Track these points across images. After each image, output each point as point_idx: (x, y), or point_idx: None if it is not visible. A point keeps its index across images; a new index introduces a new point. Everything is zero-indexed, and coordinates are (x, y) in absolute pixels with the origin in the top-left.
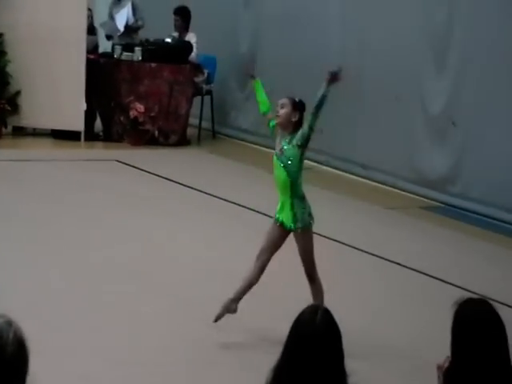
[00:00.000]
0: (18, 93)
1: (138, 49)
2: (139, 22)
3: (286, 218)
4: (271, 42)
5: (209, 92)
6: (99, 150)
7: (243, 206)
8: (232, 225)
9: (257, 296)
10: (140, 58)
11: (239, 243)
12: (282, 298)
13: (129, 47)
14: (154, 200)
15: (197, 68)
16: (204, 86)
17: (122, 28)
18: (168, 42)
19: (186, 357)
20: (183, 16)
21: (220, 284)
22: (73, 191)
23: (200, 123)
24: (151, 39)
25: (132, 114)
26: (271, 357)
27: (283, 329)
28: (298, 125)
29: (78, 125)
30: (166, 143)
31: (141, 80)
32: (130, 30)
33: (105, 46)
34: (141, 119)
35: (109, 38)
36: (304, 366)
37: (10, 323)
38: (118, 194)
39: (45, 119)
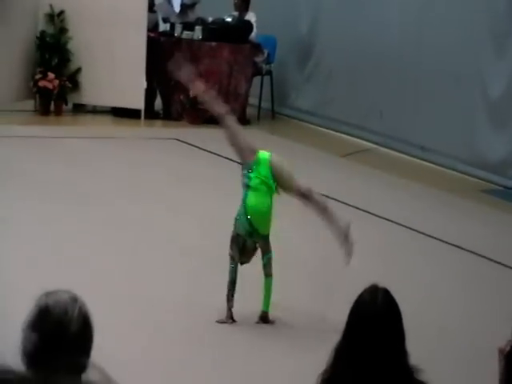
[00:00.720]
0: (78, 70)
1: (198, 28)
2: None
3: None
4: (331, 22)
5: (268, 72)
6: (159, 129)
7: None
8: (287, 204)
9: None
10: (200, 37)
11: (294, 221)
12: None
13: (189, 26)
14: (212, 179)
15: (257, 48)
16: (264, 65)
17: (177, 9)
18: (228, 22)
19: None
20: None
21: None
22: (132, 169)
23: (259, 103)
24: (209, 18)
25: (191, 93)
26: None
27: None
28: None
29: (138, 103)
30: None
31: (201, 59)
32: (185, 7)
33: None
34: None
35: (165, 20)
36: (366, 347)
37: (75, 299)
38: (177, 172)
39: (105, 97)
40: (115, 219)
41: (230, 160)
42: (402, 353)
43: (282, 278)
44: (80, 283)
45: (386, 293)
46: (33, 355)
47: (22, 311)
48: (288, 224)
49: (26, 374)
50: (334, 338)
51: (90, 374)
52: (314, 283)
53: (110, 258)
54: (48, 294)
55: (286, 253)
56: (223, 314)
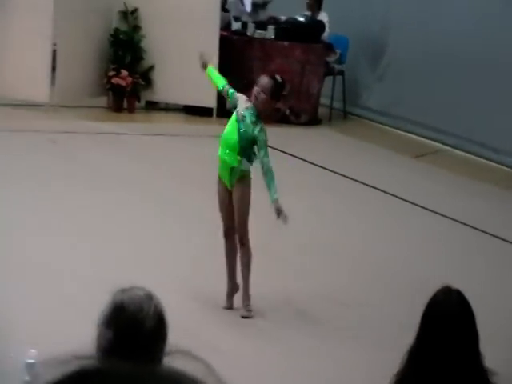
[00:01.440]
0: (151, 68)
1: (270, 27)
2: None
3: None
4: (403, 21)
5: (340, 72)
6: None
7: (370, 186)
8: (357, 204)
9: None
10: (273, 37)
11: (365, 223)
12: None
13: (261, 25)
14: (283, 178)
15: (329, 48)
16: (336, 65)
17: (248, 8)
18: (301, 21)
19: None
20: None
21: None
22: (203, 167)
23: (331, 103)
24: (282, 17)
25: None
26: None
27: None
28: (273, 111)
29: (211, 101)
30: (297, 122)
31: (273, 58)
32: (257, 6)
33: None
34: None
35: (236, 19)
36: (441, 347)
37: (150, 297)
38: None
39: (177, 94)
40: (185, 216)
41: (301, 159)
42: (476, 354)
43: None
44: (159, 282)
45: (460, 294)
46: (107, 352)
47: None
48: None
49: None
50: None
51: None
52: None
53: (186, 253)
54: (123, 291)
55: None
56: None
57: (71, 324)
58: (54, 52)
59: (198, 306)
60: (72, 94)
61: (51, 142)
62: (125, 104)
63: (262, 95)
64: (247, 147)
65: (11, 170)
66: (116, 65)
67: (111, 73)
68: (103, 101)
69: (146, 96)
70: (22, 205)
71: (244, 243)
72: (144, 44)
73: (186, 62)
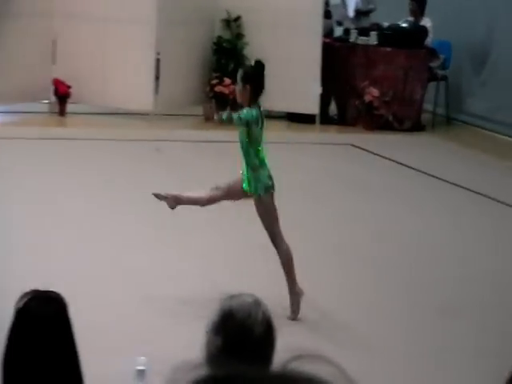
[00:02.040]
0: None
1: (373, 33)
2: (370, 6)
3: (245, 180)
4: (507, 26)
5: (444, 77)
6: (333, 134)
7: (476, 192)
8: (464, 212)
9: None
10: (375, 43)
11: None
12: None
13: (364, 31)
14: (386, 186)
15: (432, 53)
16: (439, 71)
17: (351, 13)
18: (404, 27)
19: None
20: (419, 1)
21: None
22: (305, 174)
23: (434, 109)
24: (384, 23)
25: (367, 98)
26: None
27: None
28: (252, 95)
29: (313, 108)
30: (400, 128)
31: (376, 64)
32: (360, 13)
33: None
34: (375, 104)
35: (339, 23)
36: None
37: (258, 303)
38: (351, 179)
39: (280, 102)
40: (291, 224)
41: (406, 166)
42: None
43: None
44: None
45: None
46: (216, 358)
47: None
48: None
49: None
50: None
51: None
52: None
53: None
54: (231, 298)
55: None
56: None
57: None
58: (158, 61)
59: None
60: (175, 103)
61: (156, 151)
62: None
63: (236, 88)
64: (247, 148)
65: (116, 178)
66: (219, 73)
67: (214, 81)
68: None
69: None
70: (130, 215)
71: (276, 245)
72: (247, 51)
73: (289, 69)
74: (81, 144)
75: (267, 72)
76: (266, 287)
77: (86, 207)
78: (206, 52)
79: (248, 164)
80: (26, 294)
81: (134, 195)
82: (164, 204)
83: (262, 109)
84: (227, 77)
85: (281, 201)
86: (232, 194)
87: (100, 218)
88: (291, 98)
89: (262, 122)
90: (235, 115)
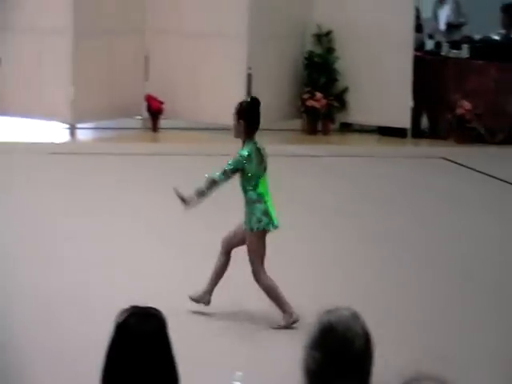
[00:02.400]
0: (345, 89)
1: (465, 46)
2: (461, 19)
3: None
4: None
5: None
6: (425, 147)
7: None
8: None
9: None
10: (467, 56)
11: None
12: None
13: (455, 44)
14: (479, 199)
15: None
16: None
17: (442, 27)
18: (495, 40)
19: None
20: (510, 13)
21: None
22: (397, 188)
23: None
24: (476, 36)
25: (458, 111)
26: None
27: None
28: (247, 131)
29: (405, 121)
30: (492, 141)
31: (467, 77)
32: (451, 26)
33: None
34: (467, 117)
35: (431, 37)
36: None
37: (356, 316)
38: (445, 193)
39: (372, 116)
40: (370, 234)
41: (499, 180)
42: None
43: None
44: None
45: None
46: (316, 373)
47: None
48: None
49: None
50: None
51: None
52: None
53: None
54: (329, 312)
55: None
56: None
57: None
58: (249, 76)
59: None
60: (267, 117)
61: None
62: (319, 126)
63: (233, 123)
64: (243, 184)
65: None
66: (310, 87)
67: (305, 95)
68: (298, 123)
69: (341, 118)
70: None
71: (257, 280)
72: (338, 66)
73: (380, 83)
74: (173, 159)
75: (359, 86)
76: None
77: (179, 222)
78: (297, 66)
79: (245, 198)
80: (126, 309)
81: (224, 210)
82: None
83: (258, 145)
84: (318, 91)
85: (374, 214)
86: (237, 235)
87: (192, 231)
88: (382, 112)
89: (259, 157)
90: (216, 173)
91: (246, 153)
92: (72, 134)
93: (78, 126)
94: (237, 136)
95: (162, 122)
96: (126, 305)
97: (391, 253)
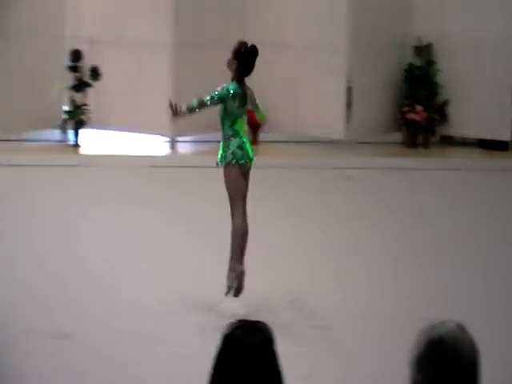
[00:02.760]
0: (446, 102)
1: None
2: None
3: (219, 151)
4: None
5: None
6: None
7: None
8: None
9: None
10: None
11: None
12: None
13: None
14: None
15: None
16: None
17: None
18: None
19: None
20: None
21: None
22: (497, 202)
23: None
24: None
25: None
26: None
27: None
28: (238, 72)
29: (505, 134)
30: None
31: None
32: None
33: None
34: None
35: None
36: None
37: (462, 327)
38: None
39: (472, 128)
40: (475, 246)
41: None
42: None
43: None
44: None
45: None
46: None
47: None
48: None
49: None
50: None
51: None
52: None
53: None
54: (434, 327)
55: None
56: None
57: None
58: (349, 88)
59: None
60: (367, 130)
61: (347, 179)
62: (420, 139)
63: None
64: (222, 119)
65: (305, 206)
66: (410, 100)
67: (406, 108)
68: (397, 136)
69: (441, 131)
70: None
71: (232, 216)
72: (439, 79)
73: (480, 95)
74: (273, 172)
75: (459, 98)
76: None
77: (278, 235)
78: (398, 79)
79: (223, 135)
80: (233, 323)
81: (324, 223)
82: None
83: (245, 88)
84: (419, 104)
85: (475, 228)
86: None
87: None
88: (483, 125)
89: (242, 100)
90: (206, 96)
91: (232, 88)
92: (172, 147)
93: (178, 139)
94: (228, 68)
95: (262, 135)
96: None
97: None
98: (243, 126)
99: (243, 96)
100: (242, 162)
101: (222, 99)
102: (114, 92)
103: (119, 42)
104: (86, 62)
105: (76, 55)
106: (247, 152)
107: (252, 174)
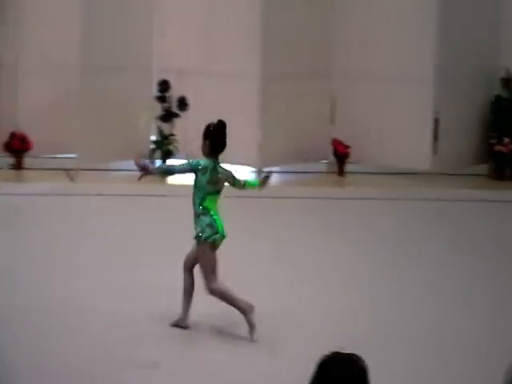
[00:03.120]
0: None
1: None
2: None
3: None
4: None
5: None
6: None
7: None
8: None
9: None
10: None
11: None
12: None
13: None
14: None
15: None
16: None
17: None
18: None
19: None
20: None
21: None
22: None
23: None
24: None
25: None
26: None
27: None
28: (211, 150)
29: None
30: None
31: None
32: None
33: None
34: None
35: None
36: None
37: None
38: None
39: None
40: None
41: None
42: None
43: None
44: None
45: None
46: None
47: None
48: None
49: None
50: None
51: None
52: None
53: None
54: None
55: None
56: None
57: None
58: (436, 120)
59: None
60: (453, 162)
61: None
62: (507, 171)
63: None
64: (194, 195)
65: (392, 237)
66: (497, 132)
67: (493, 140)
68: (484, 168)
69: None
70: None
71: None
72: None
73: None
74: (359, 204)
75: None
76: None
77: (368, 264)
78: (484, 111)
79: (193, 210)
80: (328, 354)
81: (409, 253)
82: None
83: (218, 165)
84: (506, 136)
85: None
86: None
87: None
88: None
89: (213, 177)
90: (177, 166)
91: (202, 162)
92: (259, 177)
93: (265, 169)
94: (203, 155)
95: (349, 166)
96: None
97: None
98: (215, 205)
99: (216, 172)
100: (211, 240)
101: (192, 169)
102: (201, 122)
103: (207, 73)
104: (174, 93)
105: (164, 85)
106: (217, 230)
107: (339, 204)
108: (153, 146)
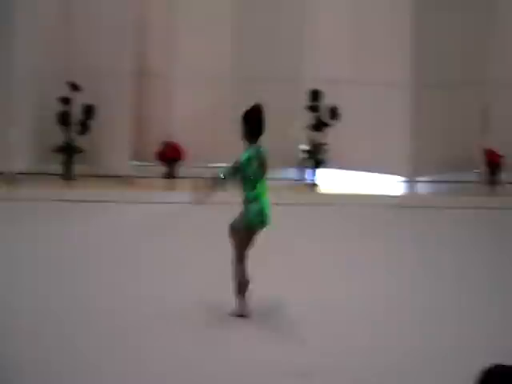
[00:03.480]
0: None
1: None
2: None
3: None
4: None
5: None
6: None
7: None
8: None
9: None
10: None
11: None
12: None
13: None
14: None
15: None
16: None
17: None
18: None
19: None
20: None
21: None
22: None
23: None
24: None
25: None
26: None
27: None
28: (250, 135)
29: None
30: None
31: None
32: None
33: None
34: None
35: None
36: None
37: None
38: None
39: None
40: None
41: None
42: None
43: None
44: None
45: None
46: None
47: None
48: None
49: None
50: None
51: None
52: None
53: None
54: None
55: None
56: None
57: None
58: None
59: None
60: None
61: None
62: None
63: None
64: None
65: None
66: None
67: None
68: None
69: None
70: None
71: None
72: None
73: None
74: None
75: None
76: None
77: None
78: None
79: (242, 197)
80: (490, 366)
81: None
82: None
83: (261, 149)
84: None
85: None
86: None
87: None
88: None
89: (261, 162)
90: (220, 175)
91: (244, 158)
92: (410, 187)
93: (416, 179)
94: (243, 139)
95: (502, 175)
96: None
97: None
98: (264, 189)
99: (259, 156)
100: (259, 227)
101: (237, 170)
102: (352, 132)
103: (358, 82)
104: (325, 102)
105: (315, 95)
106: (265, 217)
107: (489, 214)
108: (304, 155)
